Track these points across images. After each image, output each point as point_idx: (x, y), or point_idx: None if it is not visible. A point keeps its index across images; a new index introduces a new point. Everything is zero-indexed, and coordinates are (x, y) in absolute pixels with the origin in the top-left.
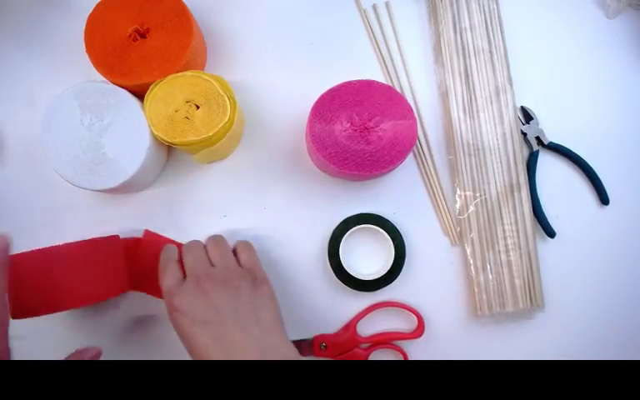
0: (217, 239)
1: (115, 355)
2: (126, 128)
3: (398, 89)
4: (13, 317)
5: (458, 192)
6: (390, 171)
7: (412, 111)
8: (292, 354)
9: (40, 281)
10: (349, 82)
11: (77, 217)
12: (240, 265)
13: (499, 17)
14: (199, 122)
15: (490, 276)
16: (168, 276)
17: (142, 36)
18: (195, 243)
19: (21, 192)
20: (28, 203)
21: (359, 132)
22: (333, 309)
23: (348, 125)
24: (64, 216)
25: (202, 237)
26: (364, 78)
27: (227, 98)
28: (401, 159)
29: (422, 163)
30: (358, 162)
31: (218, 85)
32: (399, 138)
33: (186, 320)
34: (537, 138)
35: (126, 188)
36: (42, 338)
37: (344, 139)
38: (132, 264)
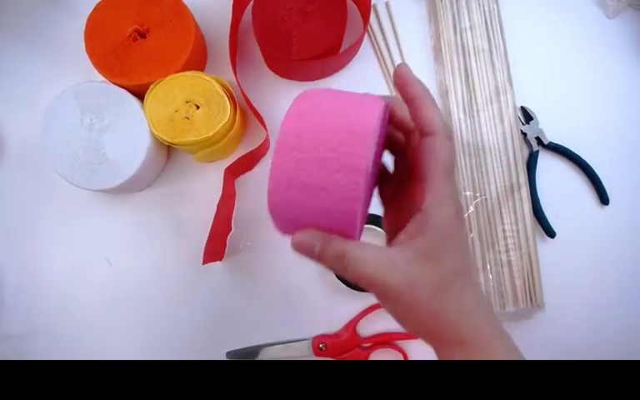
0: None
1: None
2: (126, 128)
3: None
4: None
5: None
6: None
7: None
8: None
9: None
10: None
11: (77, 217)
12: None
13: (499, 17)
14: (199, 122)
15: (490, 276)
16: None
17: (142, 36)
18: None
19: (21, 192)
20: (28, 203)
21: None
22: (333, 309)
23: None
24: (64, 216)
25: (202, 236)
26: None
27: (227, 98)
28: None
29: None
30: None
31: (218, 85)
32: None
33: None
34: (537, 138)
35: (126, 188)
36: (43, 338)
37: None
38: None
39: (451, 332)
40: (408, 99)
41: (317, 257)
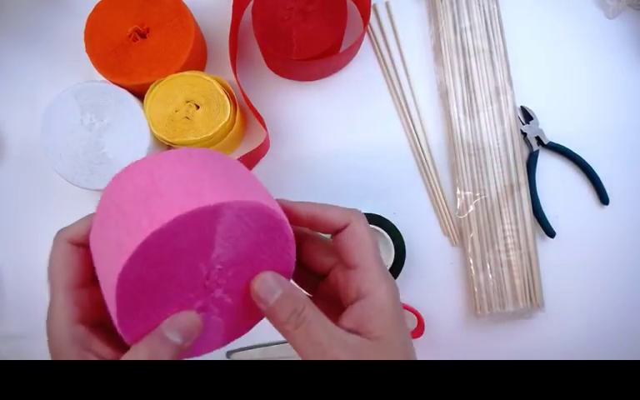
0: None
1: None
2: (126, 128)
3: (398, 89)
4: None
5: (458, 192)
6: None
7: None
8: None
9: None
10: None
11: (77, 217)
12: None
13: (499, 17)
14: (199, 122)
15: (490, 276)
16: None
17: (142, 36)
18: None
19: (21, 192)
20: (28, 203)
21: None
22: None
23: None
24: (64, 216)
25: None
26: (359, 81)
27: (227, 98)
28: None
29: (422, 163)
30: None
31: (218, 85)
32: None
33: None
34: (537, 138)
35: None
36: (43, 338)
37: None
38: None
39: None
40: (305, 223)
41: (274, 304)
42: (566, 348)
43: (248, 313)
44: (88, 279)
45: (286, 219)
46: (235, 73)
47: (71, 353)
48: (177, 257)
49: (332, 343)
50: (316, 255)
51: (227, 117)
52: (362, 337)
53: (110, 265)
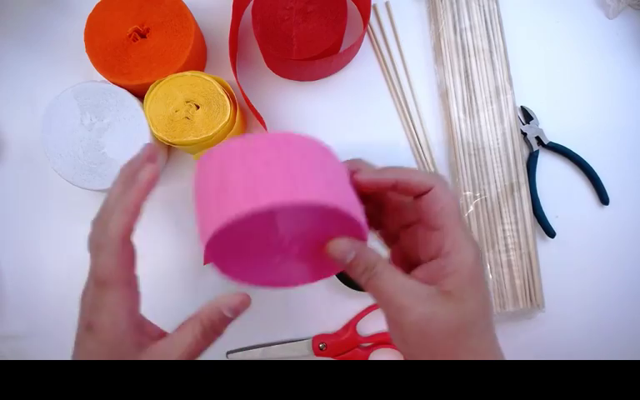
0: None
1: None
2: (126, 128)
3: (398, 89)
4: None
5: (458, 191)
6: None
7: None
8: None
9: None
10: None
11: (77, 217)
12: None
13: (499, 17)
14: (199, 122)
15: (490, 276)
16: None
17: (142, 36)
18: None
19: (21, 192)
20: (28, 203)
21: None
22: (333, 309)
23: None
24: (64, 216)
25: None
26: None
27: (227, 98)
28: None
29: (422, 163)
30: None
31: (218, 85)
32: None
33: None
34: (537, 138)
35: None
36: (42, 338)
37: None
38: None
39: None
40: (391, 187)
41: (350, 263)
42: (566, 348)
43: (328, 264)
44: (133, 274)
45: (364, 223)
46: (235, 74)
47: (129, 340)
48: (261, 228)
49: (398, 292)
50: (395, 214)
51: (227, 118)
52: (434, 288)
53: (217, 209)
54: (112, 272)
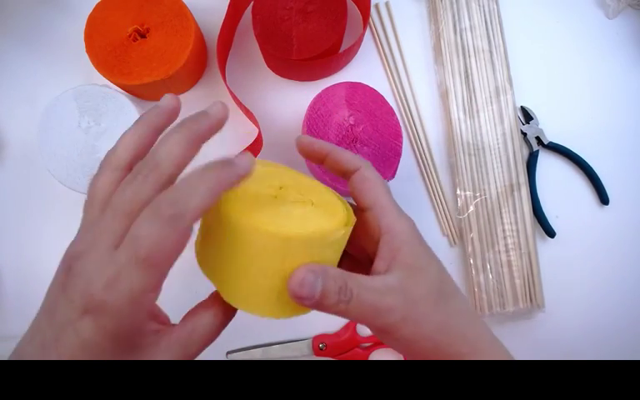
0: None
1: None
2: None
3: (398, 89)
4: None
5: (458, 191)
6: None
7: (398, 125)
8: None
9: None
10: (339, 85)
11: (77, 218)
12: None
13: (499, 17)
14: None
15: (490, 276)
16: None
17: (142, 36)
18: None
19: (21, 192)
20: (28, 204)
21: (348, 141)
22: None
23: (339, 131)
24: (64, 216)
25: None
26: (359, 81)
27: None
28: (388, 170)
29: (422, 163)
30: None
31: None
32: (385, 150)
33: None
34: (537, 138)
35: None
36: None
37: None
38: None
39: (459, 343)
40: (322, 157)
41: (320, 296)
42: (566, 348)
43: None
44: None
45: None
46: (223, 75)
47: (148, 327)
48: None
49: (377, 299)
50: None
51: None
52: (397, 270)
53: None
54: (171, 251)
